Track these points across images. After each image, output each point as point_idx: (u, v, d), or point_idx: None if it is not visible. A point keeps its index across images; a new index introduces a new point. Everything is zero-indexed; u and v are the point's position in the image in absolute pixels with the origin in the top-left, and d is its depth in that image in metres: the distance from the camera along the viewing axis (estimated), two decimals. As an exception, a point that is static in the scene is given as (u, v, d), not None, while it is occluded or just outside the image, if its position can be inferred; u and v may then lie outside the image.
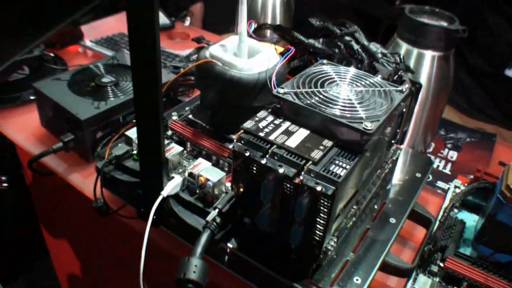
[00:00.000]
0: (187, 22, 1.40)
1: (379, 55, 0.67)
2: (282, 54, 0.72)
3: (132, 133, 0.69)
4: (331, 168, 0.50)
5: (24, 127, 0.93)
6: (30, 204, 1.19)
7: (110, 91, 0.86)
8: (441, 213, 0.78)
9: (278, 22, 1.06)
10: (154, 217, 0.60)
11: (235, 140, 0.54)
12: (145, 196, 0.64)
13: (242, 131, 0.54)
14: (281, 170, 0.50)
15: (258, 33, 0.88)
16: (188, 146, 0.70)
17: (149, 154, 0.60)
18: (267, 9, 1.06)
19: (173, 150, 0.66)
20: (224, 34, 1.44)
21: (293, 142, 0.52)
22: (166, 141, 0.68)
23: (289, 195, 0.51)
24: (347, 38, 0.69)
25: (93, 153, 0.80)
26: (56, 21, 0.86)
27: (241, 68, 0.63)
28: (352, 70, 0.63)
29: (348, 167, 0.50)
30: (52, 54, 1.13)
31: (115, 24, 1.38)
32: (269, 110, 0.58)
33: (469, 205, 0.79)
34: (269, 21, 1.06)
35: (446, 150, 0.98)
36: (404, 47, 0.84)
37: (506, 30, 1.13)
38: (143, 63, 0.51)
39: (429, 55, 0.82)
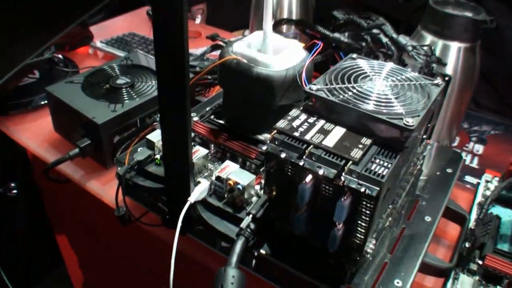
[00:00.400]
0: (198, 20, 1.37)
1: (409, 48, 0.65)
2: (308, 49, 0.69)
3: (154, 136, 0.66)
4: (372, 168, 0.47)
5: (37, 133, 0.91)
6: (42, 211, 1.17)
7: (125, 93, 0.84)
8: (474, 209, 0.75)
9: (294, 16, 1.04)
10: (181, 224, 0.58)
11: (268, 141, 0.51)
12: (171, 202, 0.62)
13: (275, 131, 0.51)
14: (320, 172, 0.47)
15: (275, 29, 0.85)
16: (212, 148, 0.67)
17: (175, 158, 0.57)
18: (283, 4, 1.03)
19: (198, 153, 0.63)
20: (235, 31, 1.41)
21: (330, 141, 0.49)
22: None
23: (329, 197, 0.49)
24: (375, 31, 0.67)
25: (112, 158, 0.78)
26: (66, 21, 0.84)
27: (268, 64, 0.60)
28: (385, 64, 0.60)
29: (390, 165, 0.48)
30: (61, 57, 1.10)
31: (125, 24, 1.35)
32: (301, 108, 0.55)
33: (503, 199, 0.76)
34: (285, 17, 1.04)
35: (471, 143, 0.96)
36: (429, 38, 0.81)
37: None
38: (170, 60, 0.49)
39: (455, 47, 0.79)
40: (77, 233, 1.03)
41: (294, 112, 0.54)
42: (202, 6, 1.40)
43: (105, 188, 0.78)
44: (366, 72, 0.57)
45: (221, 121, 0.70)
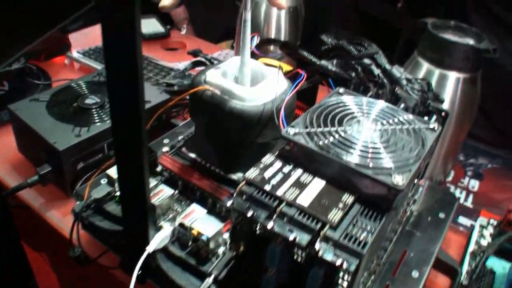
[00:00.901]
0: (184, 30, 1.30)
1: (404, 82, 0.58)
2: (290, 77, 0.62)
3: (115, 171, 0.59)
4: (353, 233, 0.40)
5: (0, 152, 0.83)
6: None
7: (94, 115, 0.76)
8: (466, 258, 0.68)
9: (283, 35, 0.97)
10: (139, 272, 0.51)
11: (235, 194, 0.44)
12: (128, 248, 0.55)
13: (243, 182, 0.44)
14: (291, 237, 0.40)
15: (261, 49, 0.79)
16: (180, 185, 0.60)
17: (132, 201, 0.50)
18: (270, 20, 0.96)
19: (162, 193, 0.56)
20: (221, 42, 1.34)
21: (306, 198, 0.43)
22: (155, 181, 0.58)
23: (301, 263, 0.42)
24: (366, 60, 0.60)
25: (73, 187, 0.71)
26: (43, 27, 0.77)
27: (244, 98, 0.54)
28: (375, 103, 0.53)
29: (374, 230, 0.41)
30: (35, 67, 1.03)
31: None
32: (277, 153, 0.48)
33: (498, 250, 0.69)
34: (273, 34, 0.97)
35: (467, 178, 0.89)
36: (425, 66, 0.75)
37: None
38: (121, 85, 0.41)
39: (454, 77, 0.73)
40: (43, 262, 0.96)
41: (268, 158, 0.47)
42: (185, 15, 1.33)
43: (66, 219, 0.71)
44: (353, 113, 0.50)
45: (193, 155, 0.63)
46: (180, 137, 0.69)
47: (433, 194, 0.72)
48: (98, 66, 1.03)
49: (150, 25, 1.26)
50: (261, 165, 0.46)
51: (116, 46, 0.38)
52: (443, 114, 0.59)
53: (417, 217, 0.66)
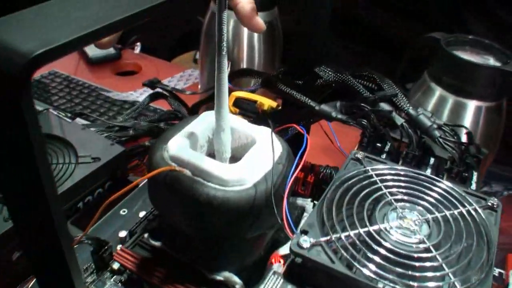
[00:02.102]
0: (138, 49, 1.12)
1: (436, 133, 0.43)
2: (281, 132, 0.47)
3: None
4: None
5: None
6: None
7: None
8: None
9: (257, 57, 0.81)
10: None
11: None
12: None
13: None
14: None
15: (231, 81, 0.63)
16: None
17: None
18: (241, 39, 0.80)
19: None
20: (177, 57, 1.17)
21: None
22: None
23: None
24: (384, 105, 0.45)
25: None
26: None
27: (226, 179, 0.38)
28: (402, 172, 0.39)
29: None
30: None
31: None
32: (285, 271, 0.33)
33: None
34: (245, 54, 0.81)
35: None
36: (438, 92, 0.61)
37: None
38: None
39: (473, 106, 0.59)
40: None
41: (271, 283, 0.32)
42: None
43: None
44: (385, 196, 0.36)
45: (158, 244, 0.47)
46: (141, 214, 0.52)
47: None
48: (38, 106, 0.85)
49: (97, 46, 1.08)
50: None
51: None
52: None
53: None
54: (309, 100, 0.49)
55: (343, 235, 0.31)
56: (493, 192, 0.80)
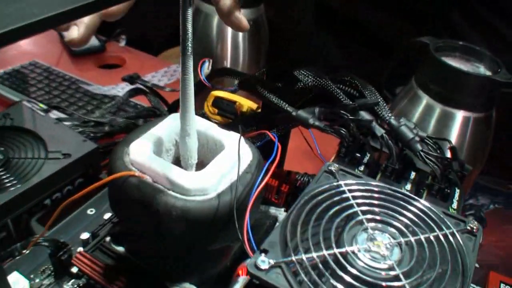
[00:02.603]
0: (123, 42, 1.09)
1: (418, 146, 0.41)
2: (254, 138, 0.44)
3: None
4: None
5: None
6: None
7: (-8, 178, 0.56)
8: None
9: (241, 55, 0.78)
10: None
11: None
12: None
13: None
14: None
15: (211, 80, 0.60)
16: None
17: None
18: (225, 33, 0.78)
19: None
20: (164, 52, 1.14)
21: None
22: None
23: None
24: (365, 114, 0.43)
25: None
26: None
27: (187, 188, 0.35)
28: (377, 187, 0.36)
29: None
30: None
31: (29, 47, 1.05)
32: (241, 292, 0.30)
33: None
34: (229, 52, 0.78)
35: (469, 224, 0.74)
36: (424, 100, 0.58)
37: None
38: None
39: (461, 116, 0.57)
40: None
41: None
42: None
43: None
44: (357, 214, 0.33)
45: (121, 249, 0.44)
46: (106, 216, 0.50)
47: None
48: (13, 97, 0.82)
49: (82, 37, 1.04)
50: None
51: None
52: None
53: None
54: (286, 105, 0.46)
55: (305, 257, 0.29)
56: (479, 205, 0.78)
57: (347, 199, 0.34)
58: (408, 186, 0.42)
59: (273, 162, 0.37)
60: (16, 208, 0.55)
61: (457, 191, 0.42)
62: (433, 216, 0.34)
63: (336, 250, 0.30)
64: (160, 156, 0.40)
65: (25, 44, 1.06)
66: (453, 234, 0.33)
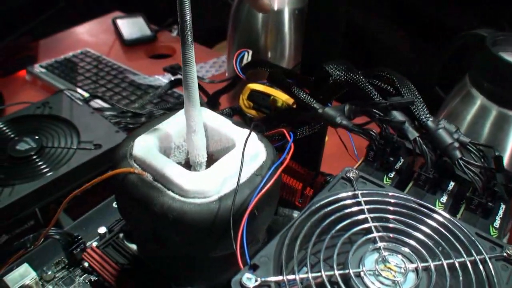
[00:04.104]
0: (175, 32, 1.09)
1: (457, 154, 0.35)
2: (272, 137, 0.41)
3: (15, 278, 0.40)
4: None
5: None
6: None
7: (28, 166, 0.57)
8: None
9: (287, 46, 0.74)
10: None
11: None
12: None
13: None
14: None
15: (245, 72, 0.57)
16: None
17: None
18: (269, 25, 0.74)
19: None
20: (219, 44, 1.12)
21: None
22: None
23: None
24: (397, 114, 0.38)
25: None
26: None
27: (185, 189, 0.32)
28: (400, 201, 0.31)
29: None
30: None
31: (84, 36, 1.08)
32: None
33: None
34: (273, 43, 0.75)
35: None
36: (479, 100, 0.52)
37: None
38: None
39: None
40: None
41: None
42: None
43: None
44: (370, 230, 0.29)
45: (133, 247, 0.43)
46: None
47: None
48: (60, 85, 0.84)
49: (135, 27, 1.05)
50: None
51: None
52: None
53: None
54: (314, 101, 0.42)
55: (298, 277, 0.25)
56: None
57: (362, 211, 0.30)
58: (444, 199, 0.37)
59: (281, 164, 0.33)
60: (45, 197, 0.56)
61: (503, 207, 0.36)
62: (462, 237, 0.29)
63: (336, 272, 0.26)
64: (170, 153, 0.38)
65: (79, 33, 1.08)
66: (483, 261, 0.27)
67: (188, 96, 0.33)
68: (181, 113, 0.39)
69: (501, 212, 0.35)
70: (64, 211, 0.55)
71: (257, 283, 0.25)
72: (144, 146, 0.35)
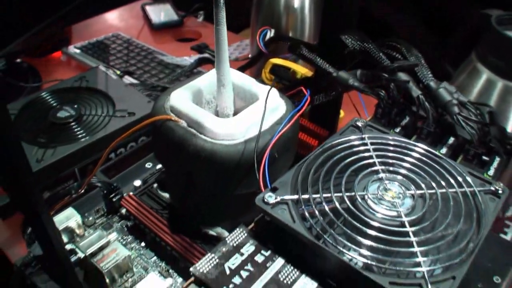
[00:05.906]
0: (201, 17, 1.14)
1: (455, 109, 0.40)
2: (292, 97, 0.45)
3: (61, 219, 0.46)
4: None
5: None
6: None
7: (68, 131, 0.63)
8: None
9: (307, 27, 0.79)
10: None
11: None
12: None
13: (192, 279, 0.29)
14: None
15: (271, 47, 0.62)
16: (147, 236, 0.46)
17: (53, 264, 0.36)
18: (291, 6, 0.79)
19: (113, 255, 0.42)
20: (243, 31, 1.17)
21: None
22: (109, 236, 0.44)
23: None
24: (402, 75, 0.42)
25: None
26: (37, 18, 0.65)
27: (215, 132, 0.38)
28: (408, 148, 0.36)
29: None
30: (26, 65, 0.91)
31: (114, 21, 1.14)
32: (251, 228, 0.32)
33: None
34: (294, 27, 0.79)
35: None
36: (485, 75, 0.56)
37: None
38: None
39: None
40: None
41: (236, 236, 0.31)
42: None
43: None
44: (373, 165, 0.33)
45: (166, 195, 0.48)
46: (158, 167, 0.54)
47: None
48: (94, 64, 0.90)
49: (163, 12, 1.11)
50: (223, 249, 0.30)
51: None
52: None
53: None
54: (329, 66, 0.47)
55: (312, 197, 0.30)
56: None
57: (367, 150, 0.34)
58: (444, 150, 0.41)
59: (298, 111, 0.38)
60: (84, 158, 0.61)
61: (498, 159, 0.40)
62: (455, 173, 0.33)
63: (344, 194, 0.30)
64: (200, 107, 0.43)
65: (110, 19, 1.14)
66: (473, 194, 0.32)
67: (219, 52, 0.38)
68: (211, 73, 0.44)
69: (495, 163, 0.40)
70: (102, 172, 0.60)
71: (276, 199, 0.30)
72: (179, 97, 0.41)
